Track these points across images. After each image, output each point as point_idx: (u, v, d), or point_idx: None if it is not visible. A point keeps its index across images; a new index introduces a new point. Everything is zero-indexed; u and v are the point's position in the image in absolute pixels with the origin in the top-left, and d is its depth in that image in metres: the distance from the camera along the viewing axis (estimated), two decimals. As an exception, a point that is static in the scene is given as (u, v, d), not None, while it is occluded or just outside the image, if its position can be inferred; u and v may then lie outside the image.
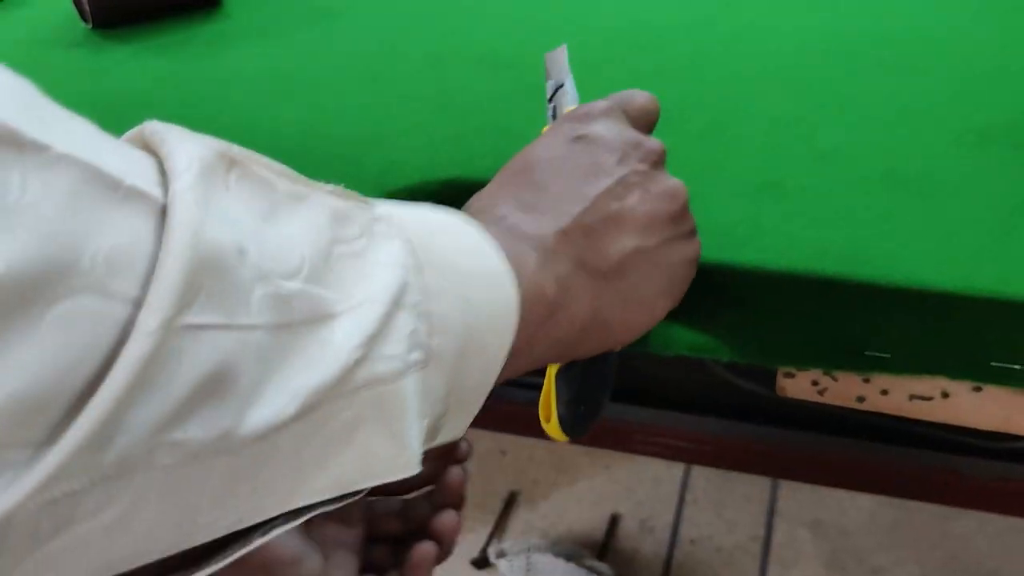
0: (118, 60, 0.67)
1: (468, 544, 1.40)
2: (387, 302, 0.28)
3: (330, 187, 0.30)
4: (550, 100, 0.47)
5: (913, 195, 0.47)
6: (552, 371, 0.43)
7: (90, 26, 0.71)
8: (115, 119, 0.60)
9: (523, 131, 0.54)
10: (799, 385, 0.50)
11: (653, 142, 0.41)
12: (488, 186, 0.41)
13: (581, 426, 0.44)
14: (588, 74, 0.50)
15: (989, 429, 0.49)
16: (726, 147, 0.52)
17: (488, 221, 0.37)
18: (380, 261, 0.29)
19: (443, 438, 0.33)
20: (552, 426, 0.44)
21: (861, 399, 0.50)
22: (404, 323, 0.29)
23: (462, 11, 0.71)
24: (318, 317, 0.27)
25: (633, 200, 0.39)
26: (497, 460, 1.51)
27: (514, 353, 0.34)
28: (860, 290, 0.44)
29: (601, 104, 0.42)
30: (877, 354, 0.46)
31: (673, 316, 0.45)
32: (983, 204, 0.46)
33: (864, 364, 0.46)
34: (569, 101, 0.46)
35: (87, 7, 0.71)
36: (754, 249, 0.45)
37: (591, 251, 0.38)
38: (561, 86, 0.47)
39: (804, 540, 1.38)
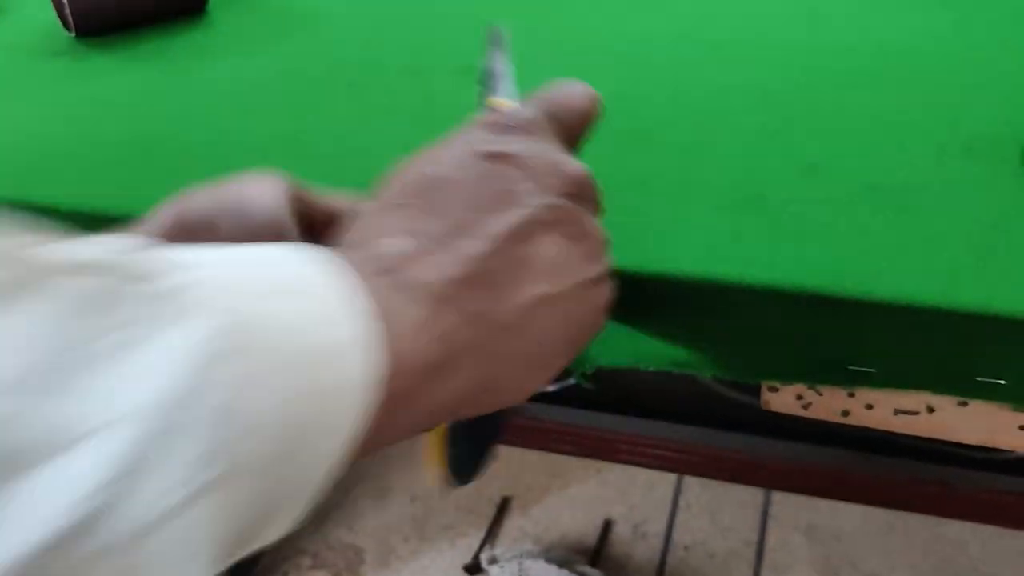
0: (101, 68, 0.67)
1: (460, 550, 1.39)
2: (157, 418, 0.22)
3: (108, 251, 0.23)
4: (483, 83, 0.42)
5: (896, 209, 0.47)
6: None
7: (73, 34, 0.71)
8: (98, 128, 0.60)
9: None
10: (784, 399, 0.50)
11: (574, 168, 0.36)
12: (380, 200, 0.35)
13: (465, 476, 0.42)
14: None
15: (974, 443, 0.48)
16: (707, 161, 0.52)
17: (366, 260, 0.31)
18: (157, 358, 0.22)
19: (270, 537, 0.28)
20: (433, 473, 0.41)
21: (846, 413, 0.49)
22: (185, 443, 0.22)
23: (442, 22, 0.71)
24: (14, 462, 0.20)
25: (543, 241, 0.34)
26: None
27: (374, 430, 0.28)
28: (843, 305, 0.43)
29: (526, 112, 0.37)
30: (861, 369, 0.45)
31: (655, 332, 0.45)
32: (967, 218, 0.46)
33: (848, 379, 0.46)
34: (501, 92, 0.41)
35: (70, 15, 0.70)
36: (736, 264, 0.44)
37: (489, 302, 0.32)
38: (493, 72, 0.42)
39: (798, 545, 1.38)
